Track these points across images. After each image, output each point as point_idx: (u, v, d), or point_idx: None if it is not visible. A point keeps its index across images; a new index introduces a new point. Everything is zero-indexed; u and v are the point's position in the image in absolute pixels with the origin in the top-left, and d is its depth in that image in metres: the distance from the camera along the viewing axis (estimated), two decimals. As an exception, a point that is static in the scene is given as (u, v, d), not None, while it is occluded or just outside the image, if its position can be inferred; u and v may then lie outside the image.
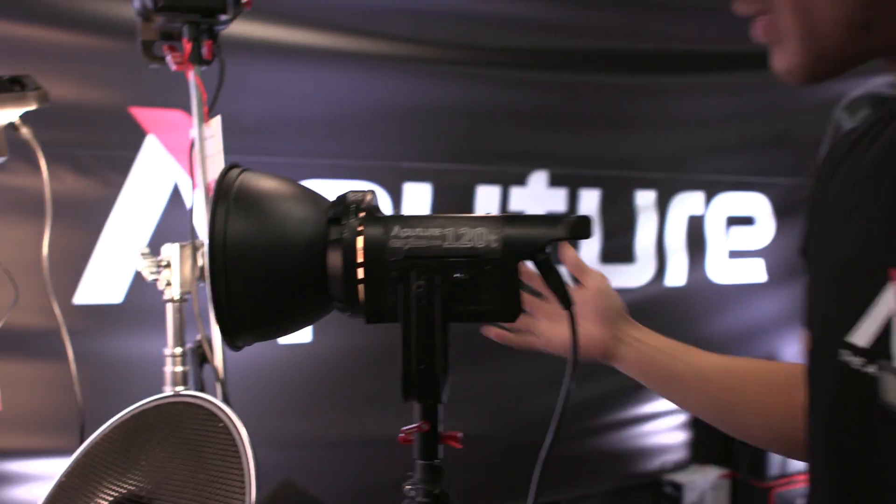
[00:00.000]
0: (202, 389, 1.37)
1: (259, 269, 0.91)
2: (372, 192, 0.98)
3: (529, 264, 0.95)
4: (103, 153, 2.74)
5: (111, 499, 1.18)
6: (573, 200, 3.40)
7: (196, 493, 1.10)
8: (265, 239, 0.92)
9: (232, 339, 0.93)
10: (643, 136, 3.48)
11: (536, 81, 3.33)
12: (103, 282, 2.69)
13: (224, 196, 0.93)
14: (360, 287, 0.92)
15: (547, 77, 3.34)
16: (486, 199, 3.24)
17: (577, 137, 3.39)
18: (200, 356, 1.37)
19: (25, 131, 1.40)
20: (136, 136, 2.81)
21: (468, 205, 3.19)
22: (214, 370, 1.32)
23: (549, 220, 0.92)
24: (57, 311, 1.45)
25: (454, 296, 0.91)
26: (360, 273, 0.91)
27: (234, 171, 0.96)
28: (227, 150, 2.99)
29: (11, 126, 1.38)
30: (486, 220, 0.92)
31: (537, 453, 0.97)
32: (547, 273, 0.93)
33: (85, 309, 2.70)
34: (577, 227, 0.92)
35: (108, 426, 1.26)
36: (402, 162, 3.15)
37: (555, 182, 3.36)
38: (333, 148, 3.02)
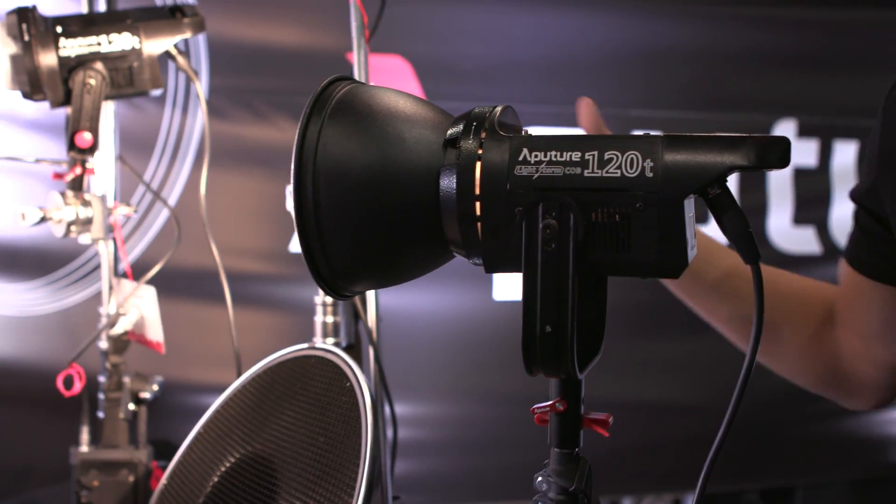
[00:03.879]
0: (355, 344, 1.22)
1: (357, 197, 0.73)
2: (507, 106, 0.77)
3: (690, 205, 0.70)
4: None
5: (238, 456, 1.07)
6: (826, 153, 2.98)
7: (314, 458, 0.96)
8: (366, 162, 0.73)
9: (326, 283, 0.76)
10: (914, 80, 2.98)
11: (786, 19, 2.93)
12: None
13: (319, 110, 0.75)
14: (479, 226, 0.71)
15: (799, 14, 2.93)
16: (725, 152, 2.91)
17: (833, 81, 2.96)
18: (354, 308, 1.22)
19: (182, 61, 1.31)
20: (353, 83, 2.73)
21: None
22: (367, 329, 1.17)
23: (728, 141, 0.67)
24: (215, 252, 1.36)
25: (595, 240, 0.68)
26: (479, 208, 0.71)
27: (339, 84, 0.78)
28: (443, 95, 2.87)
29: (168, 55, 1.29)
30: (642, 141, 0.68)
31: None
32: (722, 214, 0.68)
33: (301, 257, 2.66)
34: (768, 152, 0.66)
35: (246, 378, 1.15)
36: (630, 109, 2.87)
37: (804, 132, 2.95)
38: (555, 94, 2.79)
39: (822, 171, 2.98)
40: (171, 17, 1.28)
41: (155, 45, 1.26)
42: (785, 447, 2.98)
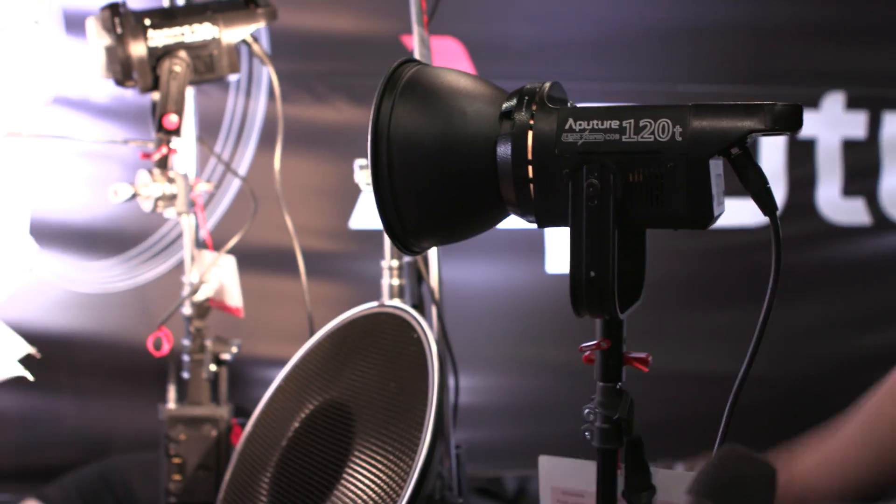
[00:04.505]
0: (419, 305, 1.34)
1: (425, 164, 0.85)
2: (555, 82, 0.88)
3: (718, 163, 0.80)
4: (377, 82, 2.79)
5: (317, 403, 1.20)
6: (875, 125, 3.02)
7: (386, 402, 1.08)
8: (432, 133, 0.85)
9: (398, 239, 0.88)
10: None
11: (834, -9, 2.97)
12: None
13: (391, 88, 0.87)
14: (532, 187, 0.83)
15: (848, -15, 2.97)
16: (772, 124, 2.96)
17: (881, 53, 2.99)
18: (418, 271, 1.34)
19: (257, 48, 1.44)
20: (407, 65, 2.83)
21: (751, 130, 2.92)
22: (430, 289, 1.29)
23: (748, 108, 0.77)
24: (290, 227, 1.49)
25: (633, 197, 0.79)
26: (531, 171, 0.82)
27: (408, 66, 0.90)
28: (496, 74, 2.96)
29: (244, 43, 1.42)
30: (672, 109, 0.79)
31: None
32: (743, 171, 0.78)
33: (360, 234, 2.78)
34: (783, 117, 0.77)
35: (321, 335, 1.27)
36: (677, 84, 2.94)
37: (853, 104, 2.99)
38: (603, 71, 2.88)
39: (872, 142, 3.02)
40: (245, 8, 1.41)
41: (232, 34, 1.40)
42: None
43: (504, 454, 2.83)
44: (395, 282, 1.35)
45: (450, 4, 3.00)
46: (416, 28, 1.34)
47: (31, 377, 1.28)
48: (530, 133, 0.82)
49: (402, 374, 1.08)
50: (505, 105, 0.85)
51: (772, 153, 2.96)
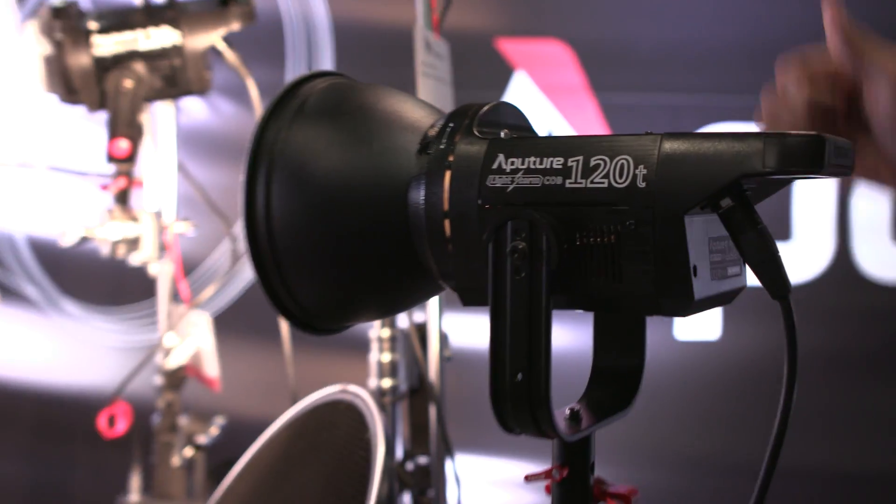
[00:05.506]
0: (419, 388, 1.22)
1: (317, 212, 0.71)
2: (502, 102, 0.74)
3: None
4: (464, 94, 2.70)
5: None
6: None
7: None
8: (329, 168, 0.71)
9: (294, 318, 0.74)
10: None
11: None
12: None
13: (282, 107, 0.74)
14: (450, 248, 0.69)
15: None
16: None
17: None
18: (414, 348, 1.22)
19: (231, 56, 1.35)
20: (501, 73, 2.75)
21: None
22: (427, 384, 1.16)
23: (743, 140, 0.62)
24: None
25: (580, 268, 0.65)
26: (448, 227, 0.68)
27: (318, 80, 0.78)
28: (612, 86, 2.82)
29: (215, 50, 1.33)
30: (637, 141, 0.64)
31: None
32: (738, 233, 0.62)
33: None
34: (796, 153, 0.60)
35: (281, 426, 1.17)
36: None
37: None
38: (749, 82, 2.67)
39: None
40: (219, 6, 1.32)
41: (199, 40, 1.31)
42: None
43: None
44: (387, 357, 1.22)
45: (556, 0, 2.89)
46: (418, 29, 1.22)
47: None
48: (447, 174, 0.68)
49: (343, 488, 0.96)
50: (427, 133, 0.72)
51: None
